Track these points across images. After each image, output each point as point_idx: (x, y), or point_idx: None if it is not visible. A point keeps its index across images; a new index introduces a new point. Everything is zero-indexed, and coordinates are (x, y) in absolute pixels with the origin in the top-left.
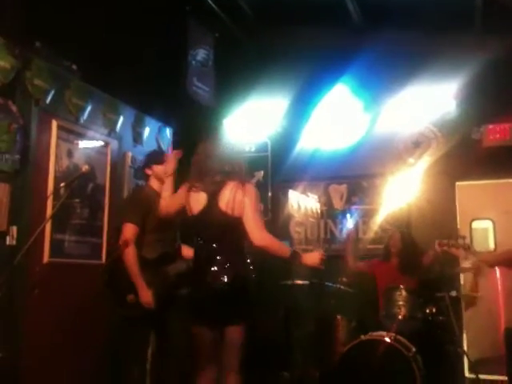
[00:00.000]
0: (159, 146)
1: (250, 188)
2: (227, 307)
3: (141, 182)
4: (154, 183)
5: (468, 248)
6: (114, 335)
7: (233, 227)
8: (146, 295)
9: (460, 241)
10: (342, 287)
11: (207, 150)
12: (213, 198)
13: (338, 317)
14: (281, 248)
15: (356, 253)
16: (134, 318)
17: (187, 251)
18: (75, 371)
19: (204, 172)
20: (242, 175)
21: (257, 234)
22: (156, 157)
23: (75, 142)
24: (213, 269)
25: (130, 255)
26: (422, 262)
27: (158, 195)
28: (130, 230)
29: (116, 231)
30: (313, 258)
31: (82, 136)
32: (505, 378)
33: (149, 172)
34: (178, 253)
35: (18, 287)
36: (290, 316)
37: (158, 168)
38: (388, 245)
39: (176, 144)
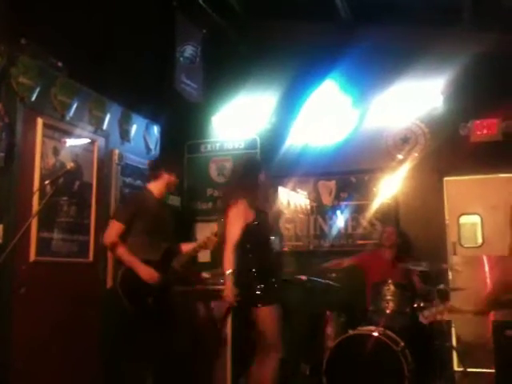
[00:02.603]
0: (147, 144)
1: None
2: None
3: (128, 180)
4: (156, 187)
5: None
6: (106, 333)
7: None
8: (147, 272)
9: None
10: (330, 283)
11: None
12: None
13: (328, 312)
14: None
15: None
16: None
17: (185, 246)
18: (63, 370)
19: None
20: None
21: None
22: (179, 168)
23: (61, 139)
24: None
25: (118, 248)
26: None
27: (154, 199)
28: (115, 228)
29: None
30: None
31: (68, 133)
32: (492, 370)
33: (164, 175)
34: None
35: (4, 286)
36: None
37: (174, 179)
38: (381, 239)
39: (163, 141)
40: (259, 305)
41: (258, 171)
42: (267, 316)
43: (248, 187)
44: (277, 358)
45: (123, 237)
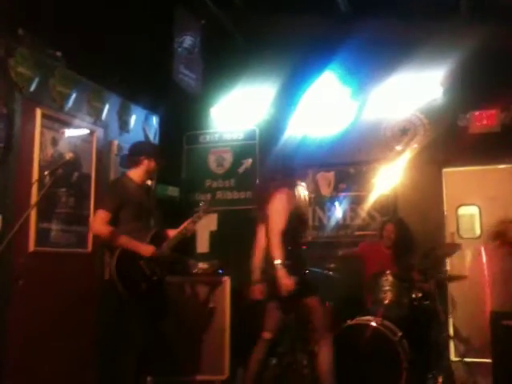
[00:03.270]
0: (146, 135)
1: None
2: None
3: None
4: (136, 174)
5: None
6: (103, 324)
7: None
8: (143, 248)
9: None
10: (329, 273)
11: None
12: None
13: (326, 303)
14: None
15: None
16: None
17: (171, 232)
18: (61, 362)
19: None
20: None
21: None
22: (159, 154)
23: (60, 130)
24: None
25: (108, 233)
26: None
27: (136, 185)
28: (101, 217)
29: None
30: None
31: (66, 124)
32: (489, 360)
33: (144, 161)
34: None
35: (2, 277)
36: None
37: (154, 165)
38: (381, 235)
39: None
40: (310, 295)
41: None
42: (317, 304)
43: (291, 177)
44: (330, 340)
45: (114, 226)
